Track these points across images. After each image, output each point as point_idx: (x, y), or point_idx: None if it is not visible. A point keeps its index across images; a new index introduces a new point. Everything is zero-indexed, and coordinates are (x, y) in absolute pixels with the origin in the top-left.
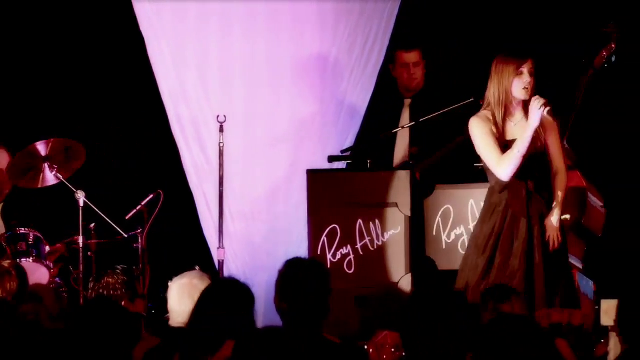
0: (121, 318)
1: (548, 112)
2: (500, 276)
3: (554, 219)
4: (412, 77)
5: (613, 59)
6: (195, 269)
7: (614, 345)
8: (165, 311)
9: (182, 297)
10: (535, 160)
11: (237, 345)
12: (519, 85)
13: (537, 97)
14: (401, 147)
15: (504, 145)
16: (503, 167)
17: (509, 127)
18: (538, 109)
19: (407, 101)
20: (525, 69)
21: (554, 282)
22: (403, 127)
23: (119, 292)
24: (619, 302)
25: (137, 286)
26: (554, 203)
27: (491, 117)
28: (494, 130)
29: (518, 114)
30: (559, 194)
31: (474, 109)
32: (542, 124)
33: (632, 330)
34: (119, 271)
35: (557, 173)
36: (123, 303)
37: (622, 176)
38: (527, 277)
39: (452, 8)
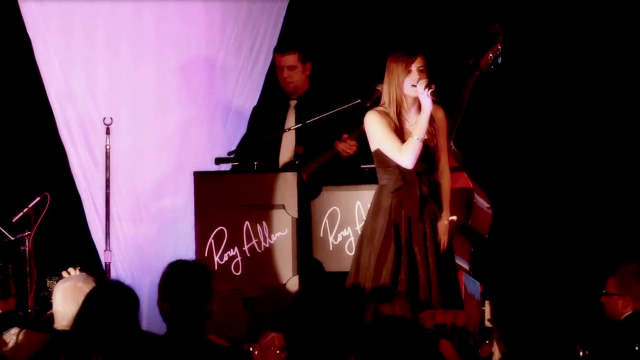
0: None
1: (432, 94)
2: (397, 281)
3: (444, 221)
4: (285, 81)
5: (499, 60)
6: (72, 270)
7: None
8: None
9: (66, 299)
10: (430, 162)
11: (120, 348)
12: (409, 83)
13: (420, 81)
14: (287, 148)
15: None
16: (405, 155)
17: (406, 129)
18: (423, 92)
19: (293, 102)
20: (414, 67)
21: (444, 284)
22: (290, 129)
23: None
24: (492, 303)
25: (12, 285)
26: (443, 206)
27: (388, 113)
28: (392, 124)
29: (413, 115)
30: (446, 197)
31: (361, 110)
32: (434, 124)
33: (510, 331)
34: None
35: (442, 174)
36: None
37: (509, 177)
38: (423, 279)
39: (339, 9)
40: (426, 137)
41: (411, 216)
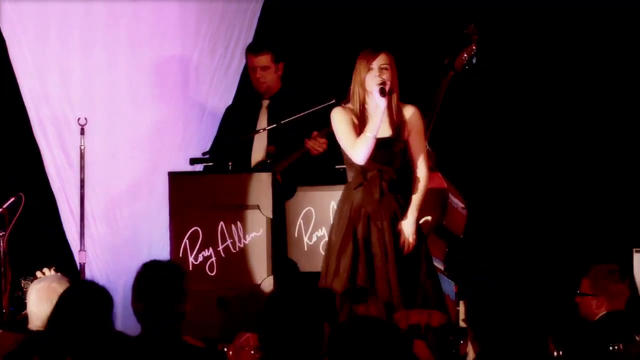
0: None
1: (380, 92)
2: (355, 278)
3: (408, 222)
4: (259, 81)
5: (474, 60)
6: (46, 270)
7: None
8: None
9: (40, 300)
10: (393, 160)
11: (94, 348)
12: (370, 81)
13: (377, 80)
14: (259, 148)
15: None
16: (356, 150)
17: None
18: (374, 89)
19: (265, 102)
20: (375, 65)
21: (407, 284)
22: (265, 129)
23: None
24: (467, 303)
25: None
26: (411, 205)
27: (353, 110)
28: (355, 120)
29: (372, 110)
30: (415, 198)
31: None
32: (406, 125)
33: (485, 331)
34: None
35: (417, 175)
36: None
37: (483, 177)
38: (381, 279)
39: (314, 9)
40: (391, 135)
41: (370, 214)
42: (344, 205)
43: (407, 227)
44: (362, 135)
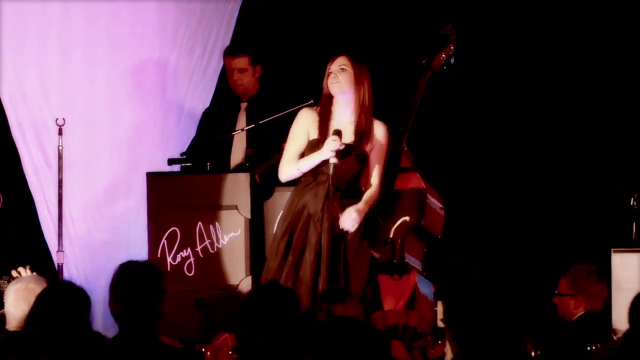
0: None
1: (337, 153)
2: (291, 279)
3: (352, 208)
4: (236, 83)
5: (452, 60)
6: (22, 269)
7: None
8: None
9: (18, 301)
10: (348, 166)
11: (71, 348)
12: (330, 82)
13: (336, 136)
14: (237, 149)
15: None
16: (284, 170)
17: (330, 126)
18: (330, 142)
19: (244, 104)
20: (334, 67)
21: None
22: (243, 130)
23: None
24: (444, 303)
25: None
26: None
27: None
28: (313, 128)
29: (341, 111)
30: (365, 196)
31: None
32: (371, 139)
33: (463, 331)
34: None
35: (369, 187)
36: None
37: (462, 177)
38: (306, 279)
39: (292, 10)
40: (353, 142)
41: (311, 215)
42: (290, 204)
43: (350, 212)
44: (295, 164)
